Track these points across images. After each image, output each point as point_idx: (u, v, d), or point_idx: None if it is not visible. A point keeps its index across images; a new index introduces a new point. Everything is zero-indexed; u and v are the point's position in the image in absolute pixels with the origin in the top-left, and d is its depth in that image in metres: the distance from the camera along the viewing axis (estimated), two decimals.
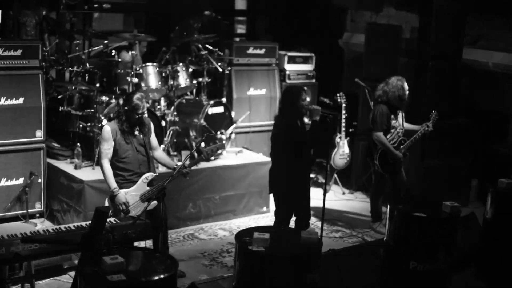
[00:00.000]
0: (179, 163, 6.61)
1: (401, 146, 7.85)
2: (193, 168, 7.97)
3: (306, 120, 6.77)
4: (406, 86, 7.79)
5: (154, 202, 6.42)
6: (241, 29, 12.76)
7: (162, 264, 4.46)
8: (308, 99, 6.75)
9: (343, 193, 9.78)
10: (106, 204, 6.40)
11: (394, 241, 5.99)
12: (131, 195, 6.37)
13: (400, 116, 7.93)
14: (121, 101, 6.56)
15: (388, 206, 6.14)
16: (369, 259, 6.32)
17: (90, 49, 8.38)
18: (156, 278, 4.23)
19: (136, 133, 6.48)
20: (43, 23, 8.89)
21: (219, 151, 8.57)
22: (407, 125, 8.04)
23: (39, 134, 7.67)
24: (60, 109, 8.06)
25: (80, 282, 4.27)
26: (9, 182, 7.52)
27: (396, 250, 5.95)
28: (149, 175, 6.47)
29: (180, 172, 6.46)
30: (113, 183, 6.35)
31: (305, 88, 6.96)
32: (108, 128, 6.41)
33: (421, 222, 5.85)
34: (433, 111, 7.94)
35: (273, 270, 4.80)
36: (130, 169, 6.46)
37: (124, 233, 5.52)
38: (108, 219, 5.81)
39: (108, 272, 4.18)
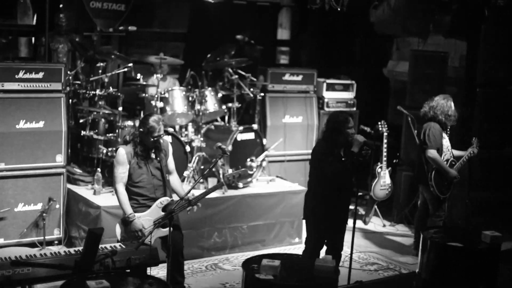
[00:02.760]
0: (194, 193, 6.14)
1: (453, 168, 7.45)
2: (219, 195, 7.68)
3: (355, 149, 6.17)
4: (452, 104, 7.54)
5: (167, 229, 6.02)
6: (284, 59, 12.47)
7: None
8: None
9: (384, 225, 9.23)
10: (117, 229, 6.05)
11: (427, 273, 5.47)
12: (145, 220, 6.03)
13: (447, 137, 7.64)
14: (137, 124, 6.25)
15: (421, 235, 5.61)
16: None
17: (113, 73, 8.11)
18: None
19: (152, 156, 6.17)
20: (75, 50, 8.77)
21: (248, 179, 8.19)
22: (453, 151, 7.64)
23: (60, 158, 7.42)
24: (81, 134, 7.82)
25: None
26: (27, 207, 7.27)
27: (429, 283, 5.41)
28: (164, 200, 6.13)
29: (187, 203, 6.03)
30: (128, 209, 6.04)
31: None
32: (123, 151, 6.13)
33: (457, 253, 5.32)
34: (474, 138, 7.68)
35: None
36: (145, 193, 6.15)
37: (127, 258, 5.13)
38: (112, 244, 5.46)
39: None
